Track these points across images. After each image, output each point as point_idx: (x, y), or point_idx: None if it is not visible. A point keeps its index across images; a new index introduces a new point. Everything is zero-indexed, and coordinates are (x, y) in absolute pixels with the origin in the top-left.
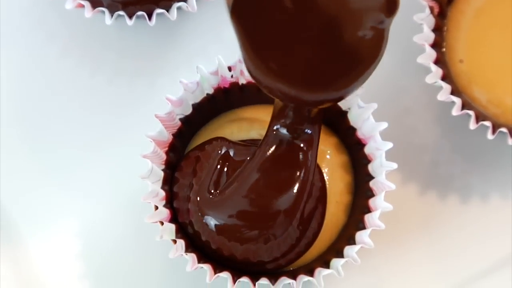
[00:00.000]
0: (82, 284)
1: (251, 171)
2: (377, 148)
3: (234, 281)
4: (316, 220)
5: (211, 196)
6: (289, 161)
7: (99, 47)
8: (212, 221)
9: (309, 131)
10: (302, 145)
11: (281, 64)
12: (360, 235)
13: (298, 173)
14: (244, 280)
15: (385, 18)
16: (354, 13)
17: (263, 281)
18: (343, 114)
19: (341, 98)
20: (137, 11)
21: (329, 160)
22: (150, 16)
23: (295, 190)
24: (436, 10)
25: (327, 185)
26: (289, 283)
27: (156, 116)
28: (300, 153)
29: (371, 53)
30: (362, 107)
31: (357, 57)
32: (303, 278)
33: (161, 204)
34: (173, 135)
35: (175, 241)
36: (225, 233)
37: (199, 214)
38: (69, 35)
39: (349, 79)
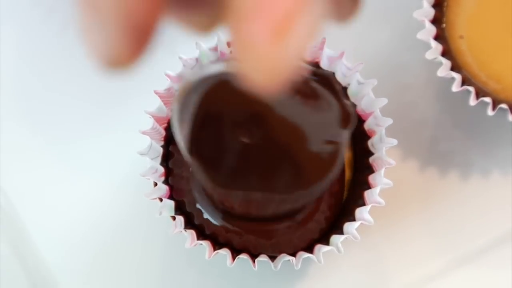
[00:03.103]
0: (79, 262)
1: None
2: (377, 124)
3: (234, 258)
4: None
5: None
6: None
7: None
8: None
9: None
10: None
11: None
12: (360, 212)
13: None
14: (244, 257)
15: (340, 131)
16: (310, 135)
17: (263, 258)
18: (343, 90)
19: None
20: None
21: None
22: None
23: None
24: None
25: None
26: (289, 260)
27: (155, 92)
28: None
29: (328, 165)
30: (362, 83)
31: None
32: (303, 255)
33: (160, 180)
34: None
35: (174, 218)
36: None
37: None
38: (69, 11)
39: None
